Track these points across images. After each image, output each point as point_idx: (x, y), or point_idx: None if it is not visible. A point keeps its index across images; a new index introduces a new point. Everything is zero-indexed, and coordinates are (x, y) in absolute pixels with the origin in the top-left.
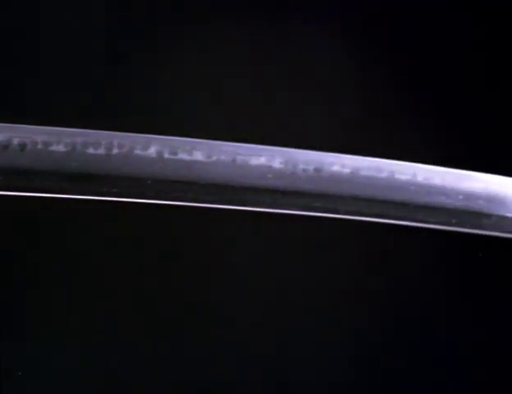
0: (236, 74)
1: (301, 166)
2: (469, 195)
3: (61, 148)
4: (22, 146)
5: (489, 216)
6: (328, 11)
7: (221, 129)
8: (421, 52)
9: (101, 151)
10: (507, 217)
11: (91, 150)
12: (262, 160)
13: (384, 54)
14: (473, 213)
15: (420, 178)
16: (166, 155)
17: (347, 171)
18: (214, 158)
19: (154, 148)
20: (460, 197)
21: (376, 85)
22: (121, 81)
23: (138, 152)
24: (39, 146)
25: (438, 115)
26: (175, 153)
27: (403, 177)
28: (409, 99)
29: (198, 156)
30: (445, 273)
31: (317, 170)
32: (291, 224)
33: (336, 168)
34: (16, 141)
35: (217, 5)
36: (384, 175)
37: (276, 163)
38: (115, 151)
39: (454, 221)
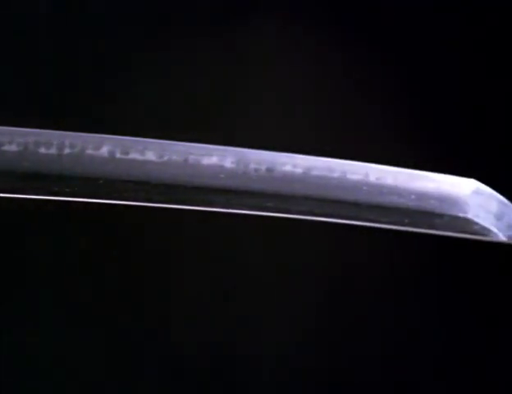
0: (190, 74)
1: (253, 165)
2: (422, 195)
3: (13, 147)
4: None
5: (441, 216)
6: (288, 12)
7: (174, 128)
8: (375, 51)
9: (53, 151)
10: (459, 217)
11: (43, 150)
12: (213, 160)
13: (337, 54)
14: (425, 212)
15: (372, 178)
16: (118, 155)
17: (299, 171)
18: (166, 157)
19: (106, 148)
20: (413, 197)
21: (329, 85)
22: (74, 81)
23: (89, 152)
24: None
25: (391, 115)
26: (127, 153)
27: (355, 177)
28: (362, 99)
29: (150, 156)
30: (402, 273)
31: (269, 170)
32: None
33: (287, 168)
34: None
35: (167, 10)
36: (336, 175)
37: (228, 163)
38: (66, 151)
39: (406, 221)
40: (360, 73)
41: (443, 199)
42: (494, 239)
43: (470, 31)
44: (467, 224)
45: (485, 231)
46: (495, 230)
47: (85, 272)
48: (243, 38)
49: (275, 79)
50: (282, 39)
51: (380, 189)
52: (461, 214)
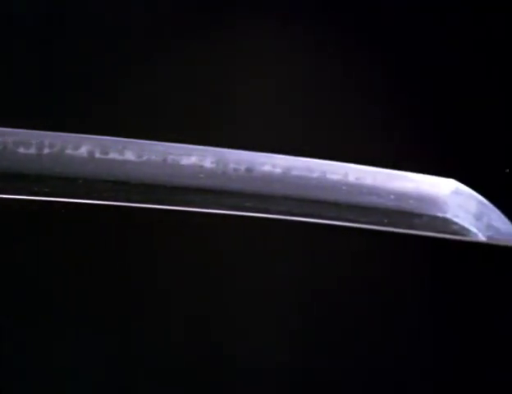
0: (169, 74)
1: (232, 165)
2: (401, 195)
3: None
4: None
5: (420, 216)
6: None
7: (153, 128)
8: (349, 51)
9: (32, 150)
10: (438, 217)
11: (22, 150)
12: (193, 160)
13: (314, 53)
14: (404, 212)
15: (352, 178)
16: (98, 155)
17: (278, 170)
18: (145, 157)
19: (85, 148)
20: (392, 197)
21: (307, 85)
22: (52, 81)
23: (69, 151)
24: None
25: (369, 114)
26: (106, 153)
27: (334, 177)
28: (342, 99)
29: (130, 156)
30: (380, 273)
31: (249, 170)
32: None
33: (267, 168)
34: None
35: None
36: (315, 175)
37: (208, 163)
38: (46, 151)
39: (385, 221)
40: (339, 73)
41: (422, 199)
42: (473, 239)
43: (450, 31)
44: (446, 224)
45: (464, 231)
46: (474, 230)
47: (70, 272)
48: (225, 38)
49: (253, 79)
50: (265, 39)
51: (359, 189)
52: (440, 214)
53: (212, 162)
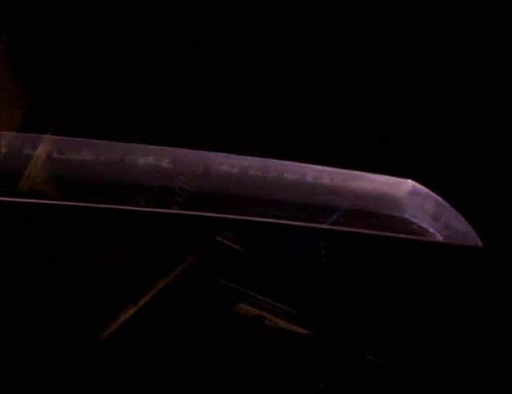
0: (129, 74)
1: (190, 166)
2: (359, 195)
3: None
4: None
5: (378, 216)
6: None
7: (111, 129)
8: (299, 52)
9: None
10: (396, 217)
11: None
12: (150, 160)
13: (269, 52)
14: (362, 212)
15: (309, 178)
16: (55, 154)
17: (236, 170)
18: (103, 157)
19: (43, 148)
20: (350, 197)
21: (265, 84)
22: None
23: (25, 151)
24: None
25: (328, 115)
26: (63, 153)
27: (292, 177)
28: (299, 99)
29: (87, 155)
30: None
31: (206, 170)
32: None
33: (224, 168)
34: None
35: None
36: (273, 175)
37: (165, 163)
38: (2, 150)
39: (343, 220)
40: (296, 73)
41: (380, 199)
42: (431, 239)
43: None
44: (404, 224)
45: (422, 230)
46: (431, 230)
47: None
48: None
49: (212, 80)
50: (225, 38)
51: (317, 189)
52: (398, 214)
53: (169, 163)
